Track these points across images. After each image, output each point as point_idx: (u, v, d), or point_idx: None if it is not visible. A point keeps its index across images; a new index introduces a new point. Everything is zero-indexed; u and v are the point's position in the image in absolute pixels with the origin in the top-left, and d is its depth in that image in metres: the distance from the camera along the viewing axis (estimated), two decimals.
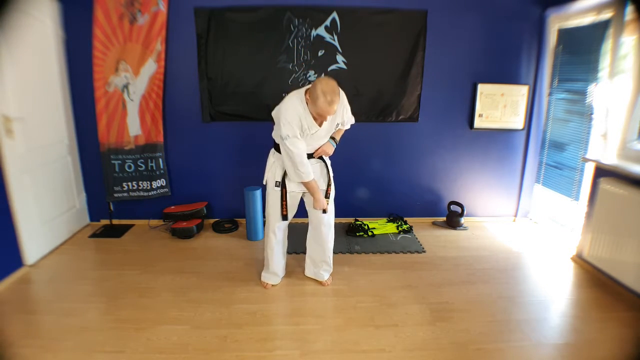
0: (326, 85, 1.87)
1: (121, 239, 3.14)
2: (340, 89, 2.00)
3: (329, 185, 2.28)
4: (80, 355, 1.84)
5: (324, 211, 2.26)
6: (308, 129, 2.04)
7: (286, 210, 2.25)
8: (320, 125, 2.07)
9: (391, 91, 3.20)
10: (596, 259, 2.51)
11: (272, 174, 2.24)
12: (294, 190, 2.24)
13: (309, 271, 2.51)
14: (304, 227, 2.44)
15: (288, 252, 2.64)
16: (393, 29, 3.08)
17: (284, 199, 2.23)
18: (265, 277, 2.44)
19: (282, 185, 2.20)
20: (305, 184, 2.14)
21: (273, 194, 2.26)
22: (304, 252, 2.53)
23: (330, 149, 2.24)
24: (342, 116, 2.19)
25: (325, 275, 2.45)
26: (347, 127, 2.33)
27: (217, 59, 3.08)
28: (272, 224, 2.31)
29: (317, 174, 2.24)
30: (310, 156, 2.18)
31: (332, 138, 2.25)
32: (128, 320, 2.09)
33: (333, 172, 2.34)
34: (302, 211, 2.41)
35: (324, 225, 2.32)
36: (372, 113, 3.24)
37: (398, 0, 3.03)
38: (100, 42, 2.93)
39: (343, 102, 2.15)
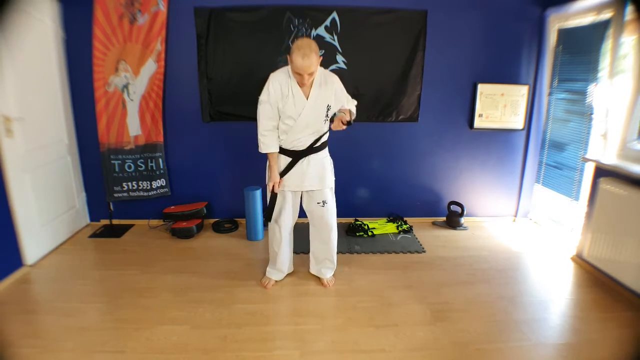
0: (301, 41, 1.93)
1: (121, 239, 3.13)
2: (334, 75, 2.15)
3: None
4: (80, 355, 1.84)
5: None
6: (292, 97, 2.05)
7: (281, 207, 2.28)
8: (307, 97, 2.06)
9: (391, 91, 3.20)
10: (596, 259, 2.51)
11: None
12: (293, 189, 2.24)
13: (313, 268, 2.51)
14: (308, 227, 2.44)
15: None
16: (393, 29, 3.08)
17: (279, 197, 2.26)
18: (270, 272, 2.45)
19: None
20: (268, 158, 2.20)
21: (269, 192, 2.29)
22: (308, 252, 2.53)
23: (348, 113, 2.14)
24: (335, 97, 2.13)
25: (327, 273, 2.44)
26: (352, 106, 2.23)
27: (217, 59, 3.08)
28: (273, 222, 2.33)
29: (313, 174, 2.21)
30: (308, 152, 2.17)
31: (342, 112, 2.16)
32: (128, 320, 2.09)
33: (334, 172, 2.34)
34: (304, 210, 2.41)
35: (324, 225, 2.32)
36: (372, 113, 3.23)
37: (398, 0, 3.03)
38: (100, 42, 2.93)
39: (335, 84, 2.13)
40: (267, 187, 2.28)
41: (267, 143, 2.13)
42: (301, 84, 2.03)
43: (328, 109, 2.13)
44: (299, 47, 1.89)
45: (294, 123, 2.10)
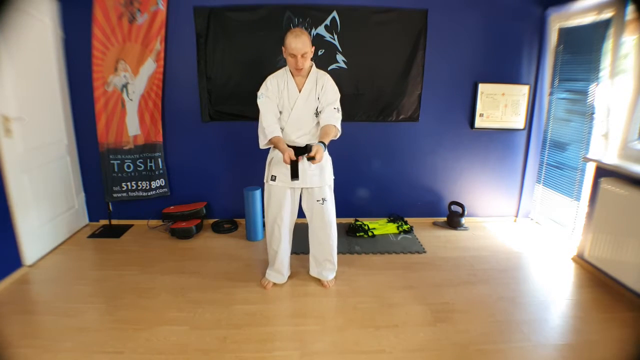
0: (295, 28, 2.12)
1: (120, 239, 3.13)
2: (328, 75, 2.22)
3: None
4: (79, 355, 1.83)
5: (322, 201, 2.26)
6: (287, 90, 2.14)
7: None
8: (300, 90, 2.15)
9: (391, 91, 3.19)
10: (597, 259, 2.50)
11: (269, 168, 2.27)
12: (292, 186, 2.23)
13: (313, 271, 2.50)
14: (307, 227, 2.43)
15: (291, 253, 2.55)
16: (393, 28, 3.07)
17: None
18: (270, 274, 2.43)
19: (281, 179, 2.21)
20: (273, 142, 2.11)
21: (268, 189, 2.28)
22: (307, 253, 2.52)
23: (321, 151, 2.09)
24: (325, 92, 2.16)
25: (329, 275, 2.43)
26: (332, 121, 2.13)
27: (217, 58, 3.08)
28: (272, 220, 2.31)
29: (313, 172, 2.21)
30: (304, 151, 2.13)
31: (322, 142, 2.11)
32: (127, 321, 2.08)
33: (333, 172, 2.33)
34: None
35: (323, 223, 2.31)
36: (372, 113, 3.23)
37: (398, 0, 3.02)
38: (100, 42, 2.93)
39: (327, 81, 2.18)
40: (266, 180, 2.27)
41: (271, 129, 2.09)
42: (296, 69, 2.08)
43: (317, 100, 2.19)
44: (292, 31, 2.05)
45: (287, 117, 2.15)
